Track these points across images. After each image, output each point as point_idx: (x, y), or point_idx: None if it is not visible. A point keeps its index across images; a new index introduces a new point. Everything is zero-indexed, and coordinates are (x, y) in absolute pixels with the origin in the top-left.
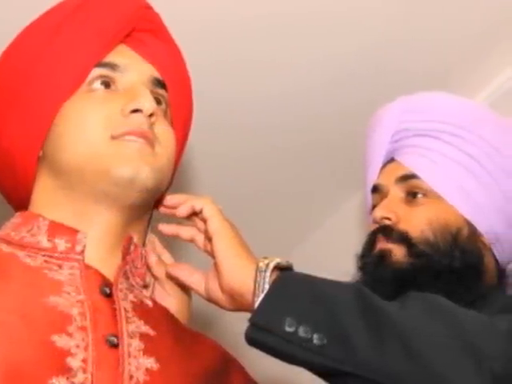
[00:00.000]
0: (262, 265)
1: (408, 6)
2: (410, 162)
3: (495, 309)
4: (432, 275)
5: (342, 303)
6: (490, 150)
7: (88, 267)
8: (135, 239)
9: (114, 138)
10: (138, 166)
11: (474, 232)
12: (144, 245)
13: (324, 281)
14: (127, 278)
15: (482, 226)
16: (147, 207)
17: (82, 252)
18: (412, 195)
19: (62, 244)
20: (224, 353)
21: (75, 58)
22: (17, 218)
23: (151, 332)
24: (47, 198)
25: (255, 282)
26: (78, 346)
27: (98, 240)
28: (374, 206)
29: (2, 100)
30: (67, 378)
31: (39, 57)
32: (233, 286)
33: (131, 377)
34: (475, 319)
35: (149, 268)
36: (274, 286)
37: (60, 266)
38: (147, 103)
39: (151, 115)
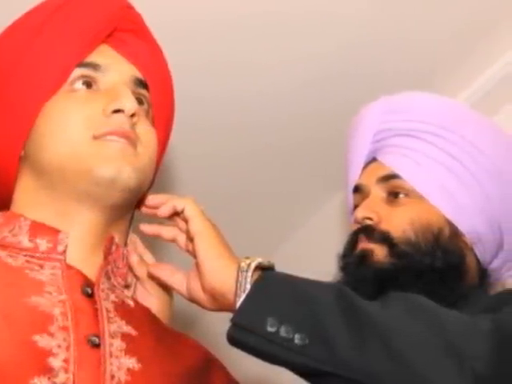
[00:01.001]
0: (243, 265)
1: (392, 6)
2: (391, 162)
3: (477, 309)
4: (414, 275)
5: (324, 303)
6: (472, 150)
7: (70, 267)
8: (117, 239)
9: (95, 137)
10: (119, 166)
11: (455, 232)
12: (126, 245)
13: (305, 281)
14: (109, 278)
15: (463, 226)
16: (129, 207)
17: (64, 252)
18: (394, 195)
19: (43, 244)
20: (206, 352)
21: (57, 58)
22: None
23: (133, 332)
24: (29, 198)
25: (237, 281)
26: (59, 346)
27: (80, 240)
28: (355, 206)
29: None
30: (49, 378)
31: (21, 57)
32: (214, 286)
33: (113, 377)
34: (457, 319)
35: (130, 268)
36: (255, 286)
37: (41, 266)
38: (129, 103)
39: (133, 115)
